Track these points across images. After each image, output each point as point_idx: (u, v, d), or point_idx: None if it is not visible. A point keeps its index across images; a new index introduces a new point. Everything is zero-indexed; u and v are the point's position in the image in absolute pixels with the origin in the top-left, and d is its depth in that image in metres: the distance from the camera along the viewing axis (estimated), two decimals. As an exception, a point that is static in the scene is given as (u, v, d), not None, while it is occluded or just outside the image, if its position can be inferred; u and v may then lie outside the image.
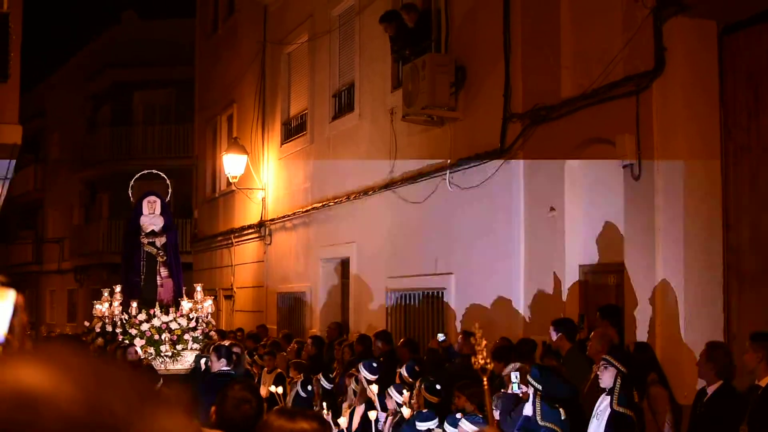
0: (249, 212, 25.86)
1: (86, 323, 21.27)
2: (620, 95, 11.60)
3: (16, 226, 52.97)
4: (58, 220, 49.91)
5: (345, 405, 13.24)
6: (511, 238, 14.06)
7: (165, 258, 19.57)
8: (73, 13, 65.93)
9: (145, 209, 19.88)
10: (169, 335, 18.35)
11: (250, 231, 25.74)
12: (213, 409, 5.76)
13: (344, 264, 20.60)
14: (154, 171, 21.22)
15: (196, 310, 18.85)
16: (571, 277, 12.88)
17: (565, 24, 13.02)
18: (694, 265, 10.90)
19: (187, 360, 18.35)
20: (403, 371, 12.39)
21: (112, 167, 40.47)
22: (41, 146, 51.07)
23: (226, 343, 16.25)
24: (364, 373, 12.51)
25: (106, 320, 18.76)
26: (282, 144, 24.00)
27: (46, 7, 47.68)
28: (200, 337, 18.69)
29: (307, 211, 21.80)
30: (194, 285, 19.80)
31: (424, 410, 10.77)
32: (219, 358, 14.17)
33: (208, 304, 19.24)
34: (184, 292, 19.55)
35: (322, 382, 14.82)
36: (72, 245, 46.02)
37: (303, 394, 15.01)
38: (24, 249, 52.54)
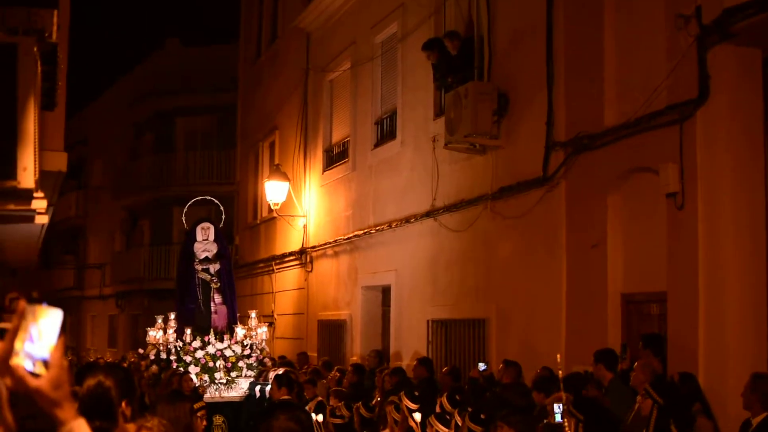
0: (290, 239, 25.92)
1: (140, 351, 21.30)
2: (664, 124, 11.56)
3: (57, 251, 53.29)
4: (99, 245, 50.22)
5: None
6: (553, 266, 14.01)
7: (219, 284, 19.59)
8: (116, 41, 66.57)
9: (199, 236, 19.91)
10: (223, 362, 18.33)
11: (291, 258, 25.79)
12: (258, 438, 5.75)
13: (385, 292, 20.59)
14: (208, 197, 21.28)
15: (251, 337, 18.85)
16: (613, 306, 12.81)
17: (609, 52, 13.00)
18: (739, 294, 10.82)
19: (241, 387, 18.33)
20: (444, 400, 12.34)
21: (154, 194, 40.75)
22: (84, 172, 51.45)
23: (281, 371, 16.25)
24: (406, 402, 12.47)
25: (161, 347, 18.77)
26: (324, 171, 24.07)
27: (89, 34, 48.07)
28: (254, 364, 18.66)
29: (348, 238, 21.82)
30: (248, 311, 19.80)
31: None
32: (280, 387, 14.16)
33: (263, 331, 19.22)
34: (237, 318, 19.57)
35: (361, 411, 14.81)
36: (113, 271, 46.28)
37: (338, 420, 15.04)
38: (65, 274, 52.88)
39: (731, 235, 10.88)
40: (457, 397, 12.35)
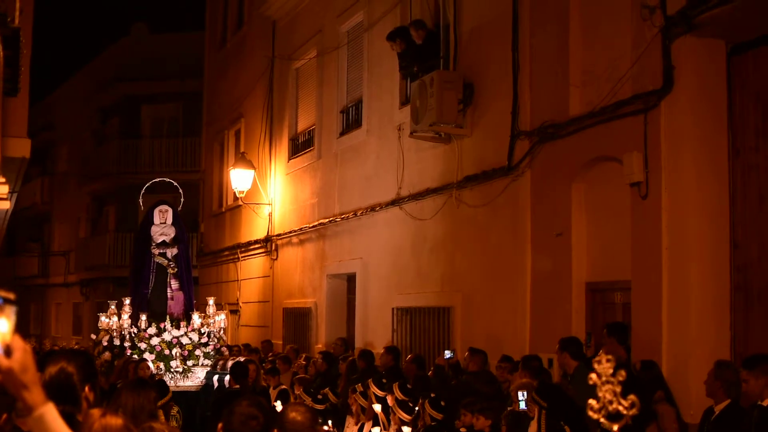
0: (255, 227, 25.88)
1: (92, 336, 20.90)
2: (628, 113, 11.61)
3: (22, 238, 53.01)
4: (64, 232, 49.97)
5: (351, 421, 13.22)
6: (517, 255, 14.05)
7: (176, 270, 19.15)
8: (82, 26, 66.25)
9: (157, 218, 19.41)
10: (179, 350, 17.96)
11: (257, 246, 25.75)
12: (220, 426, 5.76)
13: (350, 280, 20.59)
14: (167, 180, 20.96)
15: (208, 325, 18.47)
16: (578, 294, 12.87)
17: (574, 42, 13.04)
18: (702, 283, 10.89)
19: (197, 376, 18.00)
20: (395, 388, 12.26)
21: (120, 180, 40.57)
22: (48, 159, 51.20)
23: (242, 359, 16.11)
24: (374, 389, 12.48)
25: (114, 334, 18.35)
26: (289, 159, 24.04)
27: (55, 20, 47.80)
28: (212, 352, 18.31)
29: (313, 226, 21.81)
30: (206, 298, 19.51)
31: (432, 424, 10.76)
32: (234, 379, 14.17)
33: (220, 319, 18.81)
34: (194, 305, 19.22)
35: (330, 397, 14.79)
36: (78, 258, 46.04)
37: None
38: (30, 261, 52.57)
39: (695, 224, 10.94)
40: (408, 386, 12.36)
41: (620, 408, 2.87)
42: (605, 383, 2.89)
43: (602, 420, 2.88)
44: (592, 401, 2.88)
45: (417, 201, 17.02)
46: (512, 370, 12.39)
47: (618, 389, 2.88)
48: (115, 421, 4.48)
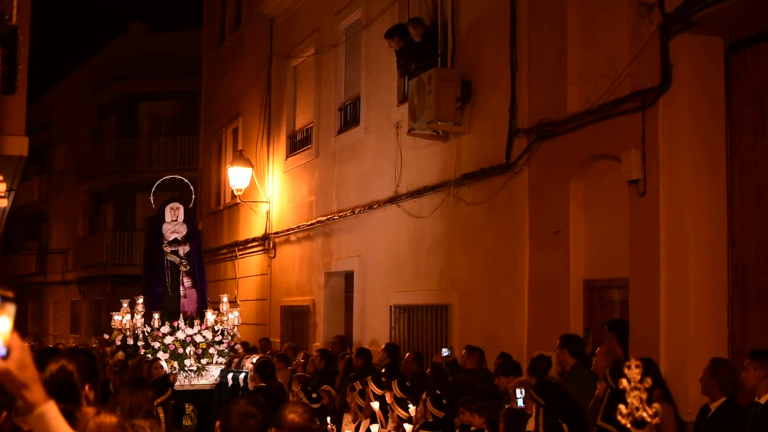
0: (253, 225, 25.87)
1: (105, 336, 20.71)
2: (626, 111, 11.60)
3: (20, 236, 52.96)
4: (62, 231, 49.95)
5: (348, 418, 13.21)
6: (515, 252, 14.04)
7: (188, 267, 18.91)
8: (79, 24, 66.22)
9: (168, 216, 19.16)
10: (193, 349, 17.80)
11: (255, 244, 25.74)
12: (217, 424, 5.75)
13: (348, 277, 20.58)
14: (177, 177, 20.77)
15: (222, 322, 18.30)
16: (575, 292, 12.86)
17: (572, 39, 13.03)
18: (699, 281, 10.88)
19: (212, 374, 17.86)
20: (394, 386, 12.26)
21: (117, 179, 40.53)
22: (46, 157, 51.17)
23: (255, 357, 16.06)
24: (372, 387, 12.46)
25: (127, 333, 18.14)
26: (287, 157, 24.02)
27: (53, 18, 47.79)
28: (226, 350, 18.18)
29: (311, 224, 21.80)
30: (220, 296, 19.37)
31: (430, 421, 10.76)
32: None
33: (234, 316, 18.63)
34: (208, 303, 19.05)
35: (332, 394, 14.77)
36: (76, 256, 46.00)
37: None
38: (28, 260, 52.55)
39: (692, 222, 10.92)
40: (407, 383, 12.36)
41: (645, 415, 2.90)
42: (633, 389, 2.88)
43: (629, 425, 2.87)
44: (621, 406, 2.88)
45: (415, 199, 17.01)
46: (503, 366, 12.30)
47: (645, 396, 2.86)
48: (110, 419, 4.48)
